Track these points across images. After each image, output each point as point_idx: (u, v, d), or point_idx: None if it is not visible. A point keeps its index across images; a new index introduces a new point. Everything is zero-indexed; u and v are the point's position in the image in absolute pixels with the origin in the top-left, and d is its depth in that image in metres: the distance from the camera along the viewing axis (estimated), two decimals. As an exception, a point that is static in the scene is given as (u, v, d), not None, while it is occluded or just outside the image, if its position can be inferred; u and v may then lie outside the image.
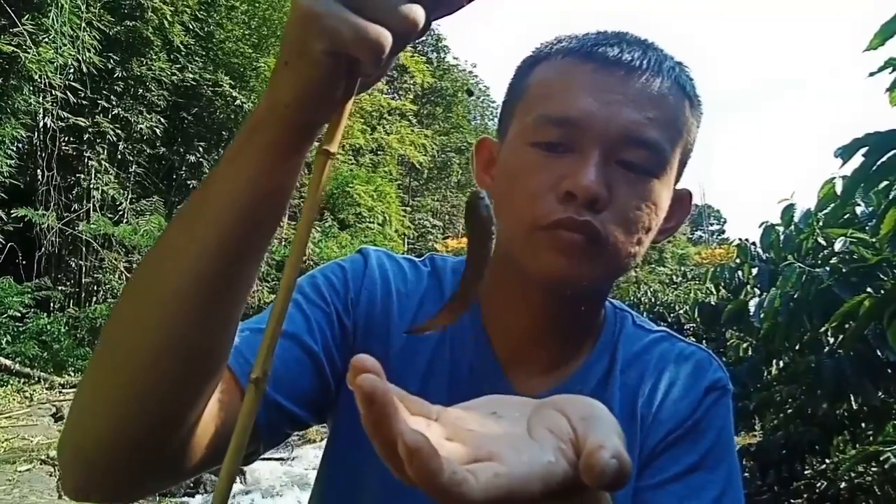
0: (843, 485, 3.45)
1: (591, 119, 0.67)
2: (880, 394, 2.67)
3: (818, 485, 3.61)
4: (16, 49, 7.59)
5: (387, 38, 0.41)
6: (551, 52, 0.74)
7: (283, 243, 12.11)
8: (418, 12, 0.42)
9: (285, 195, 0.51)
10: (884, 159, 1.59)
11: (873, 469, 3.28)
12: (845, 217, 2.65)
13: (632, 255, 0.71)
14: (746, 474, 3.61)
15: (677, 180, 0.75)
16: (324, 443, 0.82)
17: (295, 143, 0.48)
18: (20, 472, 4.80)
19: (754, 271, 3.09)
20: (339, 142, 0.46)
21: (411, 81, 22.46)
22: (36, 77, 8.02)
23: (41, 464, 4.95)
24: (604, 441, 0.34)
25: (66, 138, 9.68)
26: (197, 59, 11.31)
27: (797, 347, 3.01)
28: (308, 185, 0.45)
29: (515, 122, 0.74)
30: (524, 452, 0.34)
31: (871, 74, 1.68)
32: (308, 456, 6.11)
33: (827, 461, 3.70)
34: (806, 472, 3.75)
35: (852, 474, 3.41)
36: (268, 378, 0.43)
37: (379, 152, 19.10)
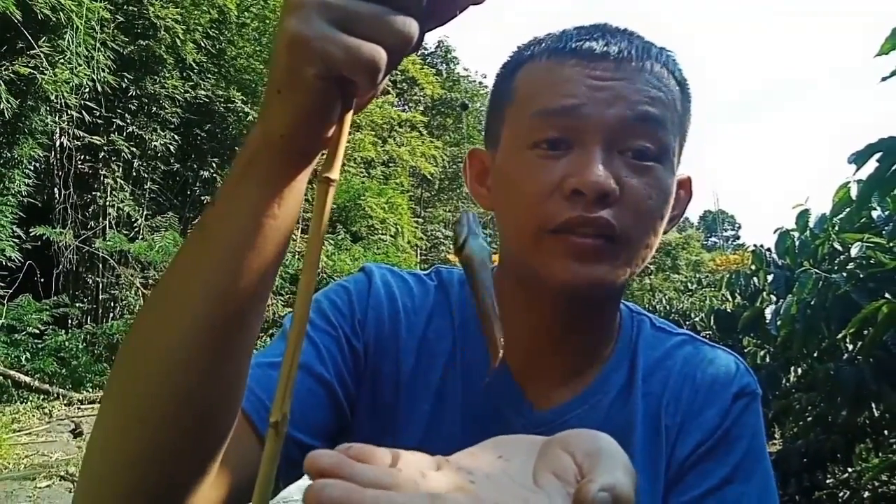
0: (866, 494, 3.38)
1: (589, 108, 0.65)
2: (902, 400, 2.63)
3: (841, 494, 3.54)
4: (33, 71, 7.72)
5: (381, 56, 0.39)
6: (534, 53, 0.72)
7: (297, 256, 12.16)
8: (412, 26, 0.40)
9: (289, 225, 0.48)
10: (898, 164, 1.57)
11: (897, 477, 3.23)
12: (861, 222, 2.62)
13: (649, 246, 0.69)
14: (767, 484, 3.54)
15: (677, 166, 0.73)
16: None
17: (294, 172, 0.46)
18: (40, 488, 4.82)
19: (770, 278, 3.05)
20: (340, 167, 0.43)
21: (421, 93, 22.55)
22: (52, 97, 8.14)
23: (61, 480, 4.97)
24: (600, 475, 0.32)
25: (82, 157, 9.80)
26: (209, 76, 11.43)
27: (815, 354, 2.96)
28: (312, 214, 0.42)
29: (507, 127, 0.72)
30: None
31: (884, 79, 1.66)
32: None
33: (849, 470, 3.63)
34: (828, 481, 3.68)
35: (876, 483, 3.34)
36: (287, 421, 0.41)
37: (390, 164, 19.15)
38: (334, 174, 0.42)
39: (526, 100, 0.70)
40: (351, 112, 0.44)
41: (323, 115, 0.42)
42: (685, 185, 0.77)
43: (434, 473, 0.35)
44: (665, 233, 0.75)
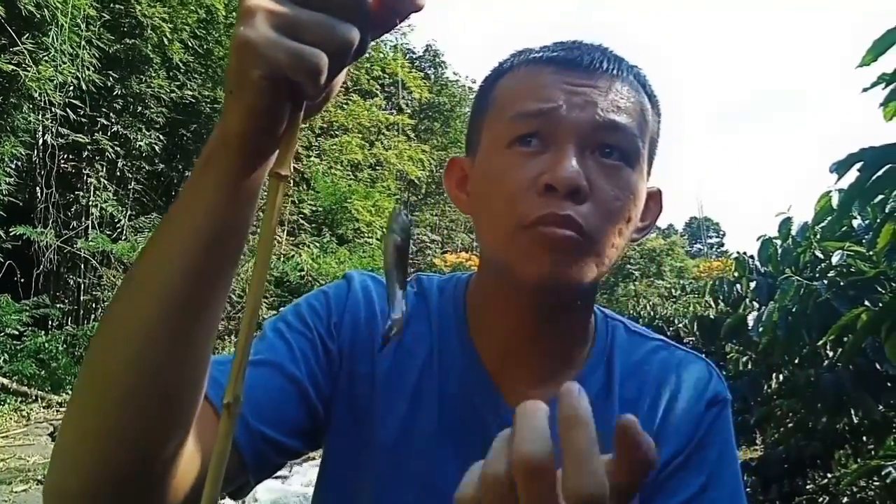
0: (844, 499, 3.42)
1: (563, 110, 0.69)
2: (880, 407, 2.66)
3: (820, 499, 3.58)
4: (16, 68, 7.65)
5: (323, 60, 0.42)
6: (512, 65, 0.76)
7: (282, 258, 12.11)
8: (352, 32, 0.43)
9: (246, 221, 0.51)
10: (879, 174, 1.59)
11: (875, 483, 3.27)
12: (842, 230, 2.66)
13: (615, 246, 0.71)
14: (748, 490, 3.58)
15: (648, 176, 0.77)
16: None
17: (248, 170, 0.49)
18: (16, 492, 4.76)
19: (752, 285, 3.08)
20: (291, 164, 0.48)
21: (409, 97, 22.56)
22: (36, 95, 8.07)
23: (37, 484, 4.90)
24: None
25: (66, 156, 9.71)
26: (196, 76, 11.38)
27: (796, 361, 3.00)
28: (265, 209, 0.46)
29: (486, 131, 0.76)
30: None
31: (865, 90, 1.69)
32: (306, 474, 6.04)
33: (829, 475, 3.68)
34: (808, 487, 3.72)
35: (854, 489, 3.38)
36: (240, 402, 0.44)
37: (377, 167, 19.13)
38: (285, 170, 0.46)
39: (505, 105, 0.74)
40: (301, 113, 0.48)
41: (272, 114, 0.45)
42: (655, 197, 0.80)
43: None
44: (634, 241, 0.77)
